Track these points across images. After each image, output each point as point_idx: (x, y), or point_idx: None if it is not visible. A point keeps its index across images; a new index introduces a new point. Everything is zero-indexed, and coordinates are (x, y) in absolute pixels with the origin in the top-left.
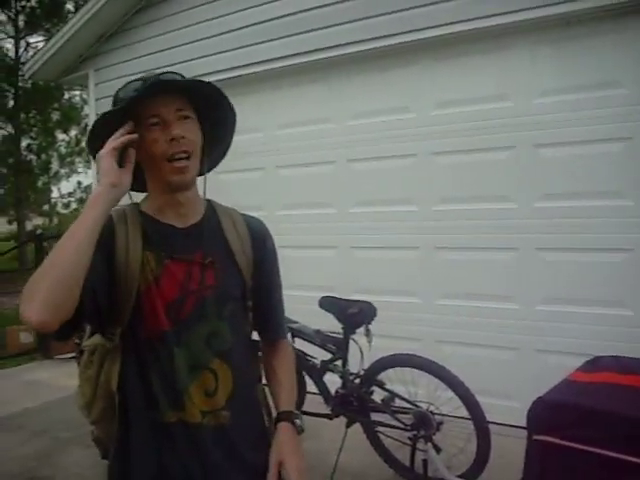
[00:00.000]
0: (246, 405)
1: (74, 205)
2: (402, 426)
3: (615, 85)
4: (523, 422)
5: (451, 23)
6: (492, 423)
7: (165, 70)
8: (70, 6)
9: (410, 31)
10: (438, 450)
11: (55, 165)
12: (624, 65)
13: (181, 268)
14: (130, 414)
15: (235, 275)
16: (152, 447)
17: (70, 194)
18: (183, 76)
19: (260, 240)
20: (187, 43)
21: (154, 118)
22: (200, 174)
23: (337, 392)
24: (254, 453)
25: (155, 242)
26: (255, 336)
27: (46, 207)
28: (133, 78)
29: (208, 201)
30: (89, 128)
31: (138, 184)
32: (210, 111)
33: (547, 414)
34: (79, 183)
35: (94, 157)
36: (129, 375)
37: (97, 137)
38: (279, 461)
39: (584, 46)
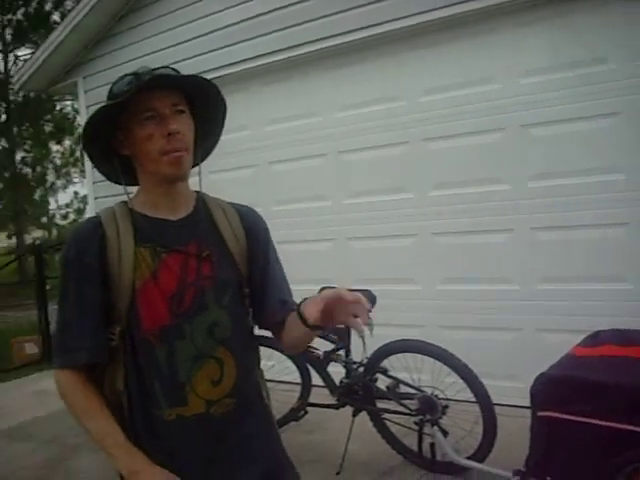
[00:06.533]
0: (250, 391)
1: (72, 216)
2: (408, 412)
3: (601, 61)
4: (528, 402)
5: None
6: (498, 405)
7: (159, 66)
8: (56, 17)
9: (393, 20)
10: (445, 434)
11: (51, 177)
12: (609, 41)
13: (177, 260)
14: (135, 415)
15: (230, 263)
16: (159, 447)
17: (67, 205)
18: (178, 71)
19: (252, 226)
20: (172, 45)
21: (149, 112)
22: (192, 166)
23: (342, 382)
24: (261, 445)
25: (148, 237)
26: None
27: (44, 219)
28: (125, 73)
29: (197, 193)
30: (84, 124)
31: (128, 178)
32: (203, 106)
33: (549, 389)
34: (76, 193)
35: (90, 155)
36: (131, 375)
37: (93, 134)
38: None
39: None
